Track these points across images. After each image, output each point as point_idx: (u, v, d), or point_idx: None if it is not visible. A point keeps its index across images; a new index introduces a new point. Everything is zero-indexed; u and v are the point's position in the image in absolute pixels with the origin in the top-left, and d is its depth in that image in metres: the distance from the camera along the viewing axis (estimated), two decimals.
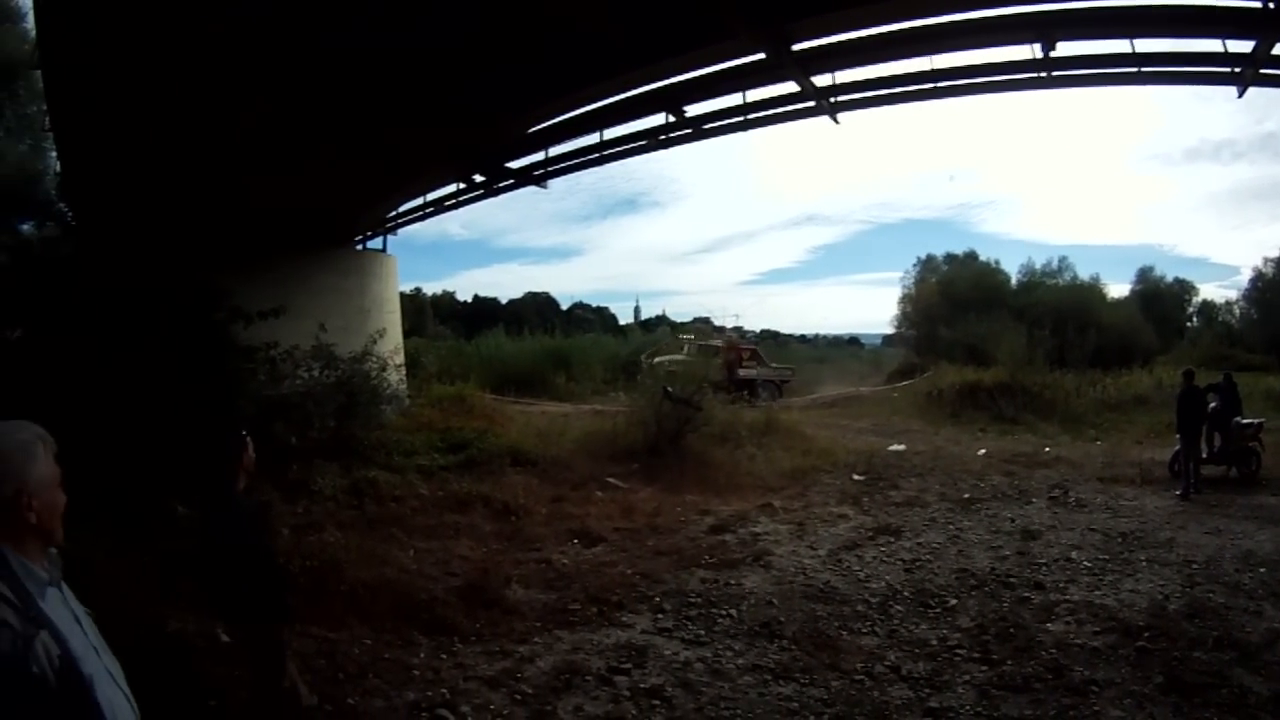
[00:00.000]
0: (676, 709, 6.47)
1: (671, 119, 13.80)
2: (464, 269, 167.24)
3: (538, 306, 77.03)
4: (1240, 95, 11.22)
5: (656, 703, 6.56)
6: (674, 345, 38.92)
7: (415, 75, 11.16)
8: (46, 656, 2.03)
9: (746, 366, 34.84)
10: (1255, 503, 13.76)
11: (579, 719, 6.31)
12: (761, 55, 10.88)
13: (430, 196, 20.72)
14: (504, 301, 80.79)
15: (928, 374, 35.63)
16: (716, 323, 51.47)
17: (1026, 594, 9.21)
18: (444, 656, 7.33)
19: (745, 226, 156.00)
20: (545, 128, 14.58)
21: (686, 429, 17.22)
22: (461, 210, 21.48)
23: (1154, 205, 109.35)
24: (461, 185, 18.94)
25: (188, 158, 13.68)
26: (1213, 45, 10.53)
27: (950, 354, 37.12)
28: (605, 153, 15.68)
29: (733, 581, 9.59)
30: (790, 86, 12.23)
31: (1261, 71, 10.46)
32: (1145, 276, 54.99)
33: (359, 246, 22.98)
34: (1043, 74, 11.51)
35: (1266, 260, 49.91)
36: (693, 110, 13.50)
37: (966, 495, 14.42)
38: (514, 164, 16.82)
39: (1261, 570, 9.95)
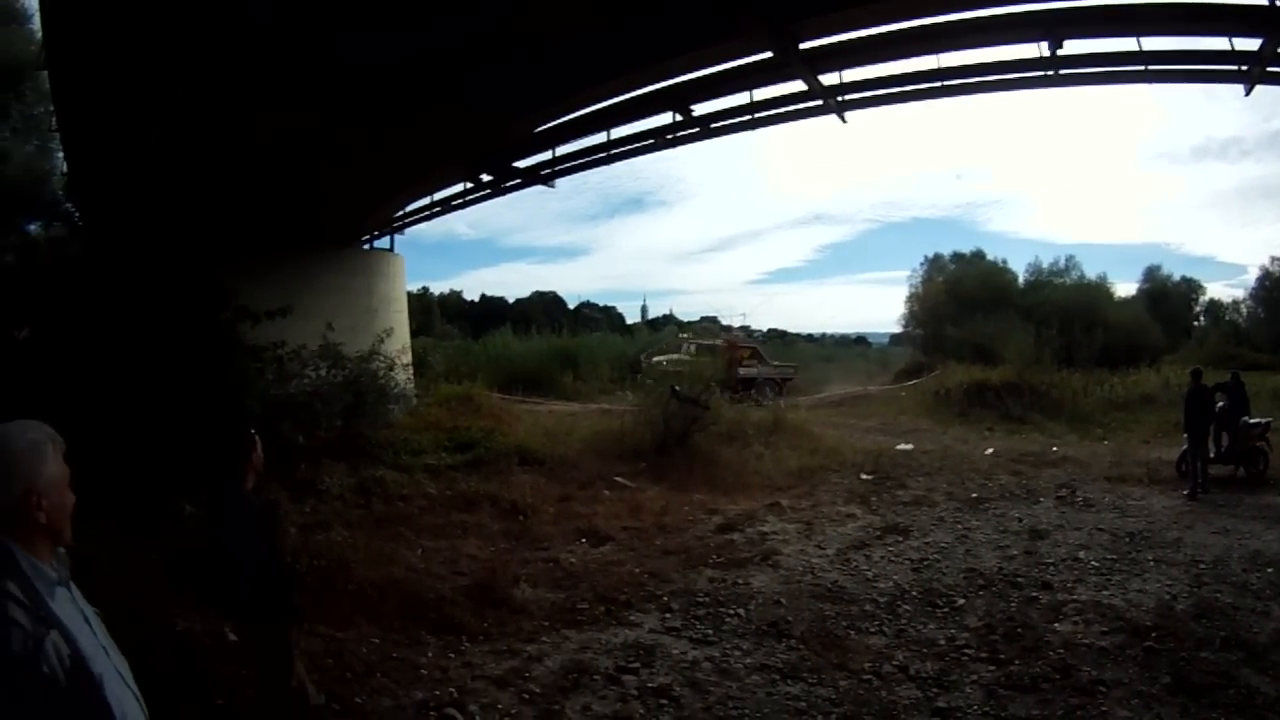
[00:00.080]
0: (684, 708, 6.47)
1: (678, 118, 13.81)
2: (471, 268, 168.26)
3: (545, 306, 77.07)
4: (1247, 93, 11.19)
5: (664, 702, 6.55)
6: (674, 345, 38.84)
7: (423, 76, 11.17)
8: (57, 656, 2.03)
9: (746, 365, 34.73)
10: (1263, 502, 13.69)
11: (587, 718, 6.31)
12: (769, 54, 10.87)
13: (437, 196, 20.76)
14: (511, 301, 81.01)
15: (935, 373, 35.48)
16: (724, 322, 51.44)
17: (1034, 594, 9.18)
18: (452, 656, 7.34)
19: (752, 225, 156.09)
20: (552, 127, 14.58)
21: (694, 428, 17.21)
22: (468, 210, 21.57)
23: (1160, 204, 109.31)
24: (469, 185, 18.99)
25: (195, 158, 13.71)
26: (1220, 43, 10.50)
27: (958, 353, 36.93)
28: (612, 152, 15.71)
29: (741, 581, 9.58)
30: (797, 85, 12.23)
31: (1269, 69, 10.44)
32: (1152, 275, 54.68)
33: (366, 246, 23.01)
34: (1050, 72, 11.50)
35: (1273, 259, 49.85)
36: (700, 109, 13.51)
37: (974, 495, 14.38)
38: (521, 163, 16.86)
39: (1269, 570, 9.90)
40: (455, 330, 61.79)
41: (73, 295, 13.97)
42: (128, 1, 9.46)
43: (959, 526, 12.22)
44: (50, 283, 14.53)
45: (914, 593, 9.22)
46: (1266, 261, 50.93)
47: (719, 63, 11.67)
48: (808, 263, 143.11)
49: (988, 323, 38.27)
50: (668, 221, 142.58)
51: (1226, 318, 53.89)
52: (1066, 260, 50.19)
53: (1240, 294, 57.17)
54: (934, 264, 53.24)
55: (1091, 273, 49.05)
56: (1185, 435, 14.98)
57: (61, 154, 21.15)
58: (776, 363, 37.90)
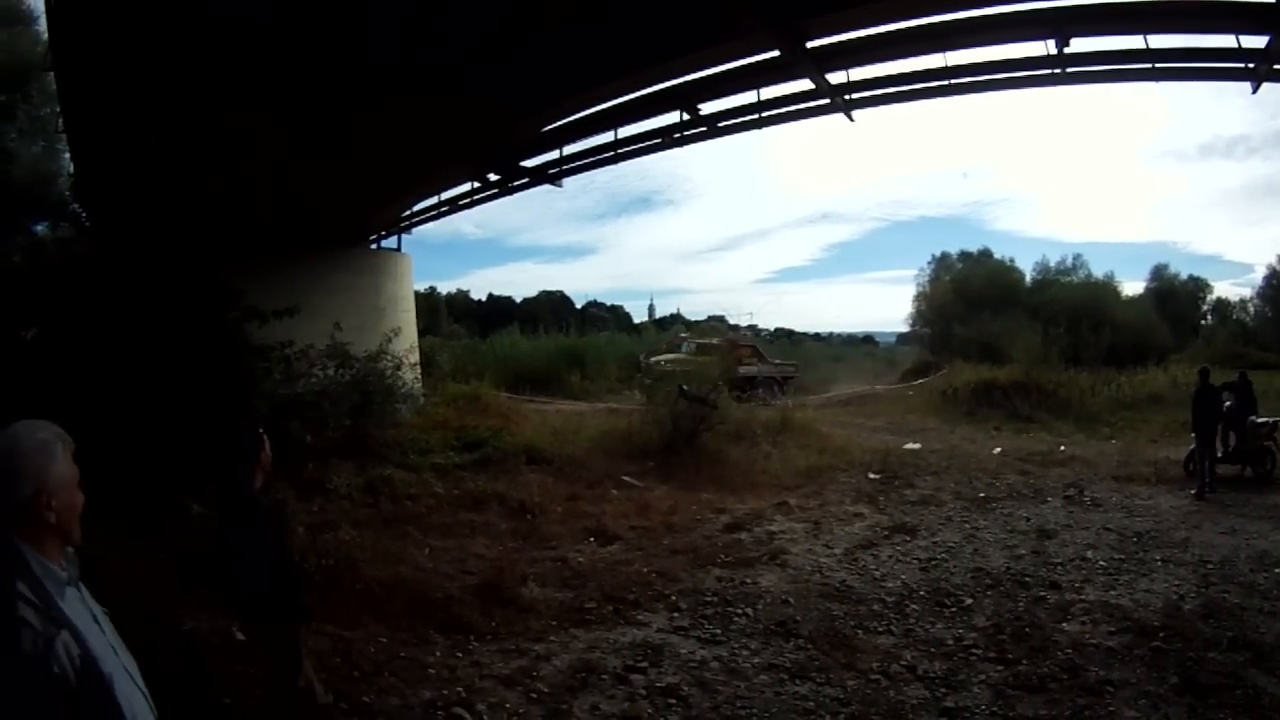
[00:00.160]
0: (692, 708, 6.46)
1: (686, 117, 13.83)
2: (478, 268, 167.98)
3: (552, 305, 77.10)
4: (1254, 91, 11.18)
5: (672, 701, 6.54)
6: (674, 344, 38.75)
7: (430, 75, 11.18)
8: (67, 656, 2.04)
9: (746, 364, 34.60)
10: (1270, 502, 13.65)
11: (595, 718, 6.31)
12: (776, 53, 10.90)
13: (445, 195, 20.82)
14: (518, 300, 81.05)
15: (942, 372, 35.44)
16: (731, 321, 51.40)
17: (1042, 593, 9.16)
18: (460, 655, 7.34)
19: (759, 224, 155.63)
20: (559, 126, 14.62)
21: (702, 428, 17.19)
22: (475, 209, 21.57)
23: (1167, 202, 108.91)
24: (476, 184, 19.03)
25: (202, 158, 13.73)
26: (1226, 41, 10.50)
27: (965, 352, 36.84)
28: (620, 151, 15.73)
29: (749, 580, 9.57)
30: (804, 84, 12.25)
31: (1275, 67, 10.41)
32: (1159, 274, 54.68)
33: (373, 245, 23.04)
34: (1057, 70, 11.49)
35: None
36: (707, 108, 13.54)
37: (982, 494, 14.36)
38: (528, 162, 16.90)
39: (1276, 570, 9.88)
40: (462, 330, 61.91)
41: (80, 295, 13.99)
42: (133, 2, 9.49)
43: (967, 526, 12.21)
44: (57, 283, 14.55)
45: (922, 592, 9.22)
46: (1274, 260, 50.95)
47: (726, 61, 11.69)
48: (815, 262, 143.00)
49: (995, 322, 38.24)
50: (675, 221, 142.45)
51: (1234, 316, 53.97)
52: (1074, 259, 50.05)
53: (1247, 292, 57.14)
54: (941, 263, 53.13)
55: (1098, 271, 48.92)
56: (1193, 435, 14.91)
57: (68, 155, 21.25)
58: (777, 360, 37.79)
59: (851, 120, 13.04)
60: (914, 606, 8.79)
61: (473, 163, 16.61)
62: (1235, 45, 10.41)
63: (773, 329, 62.91)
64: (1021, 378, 27.42)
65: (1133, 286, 50.73)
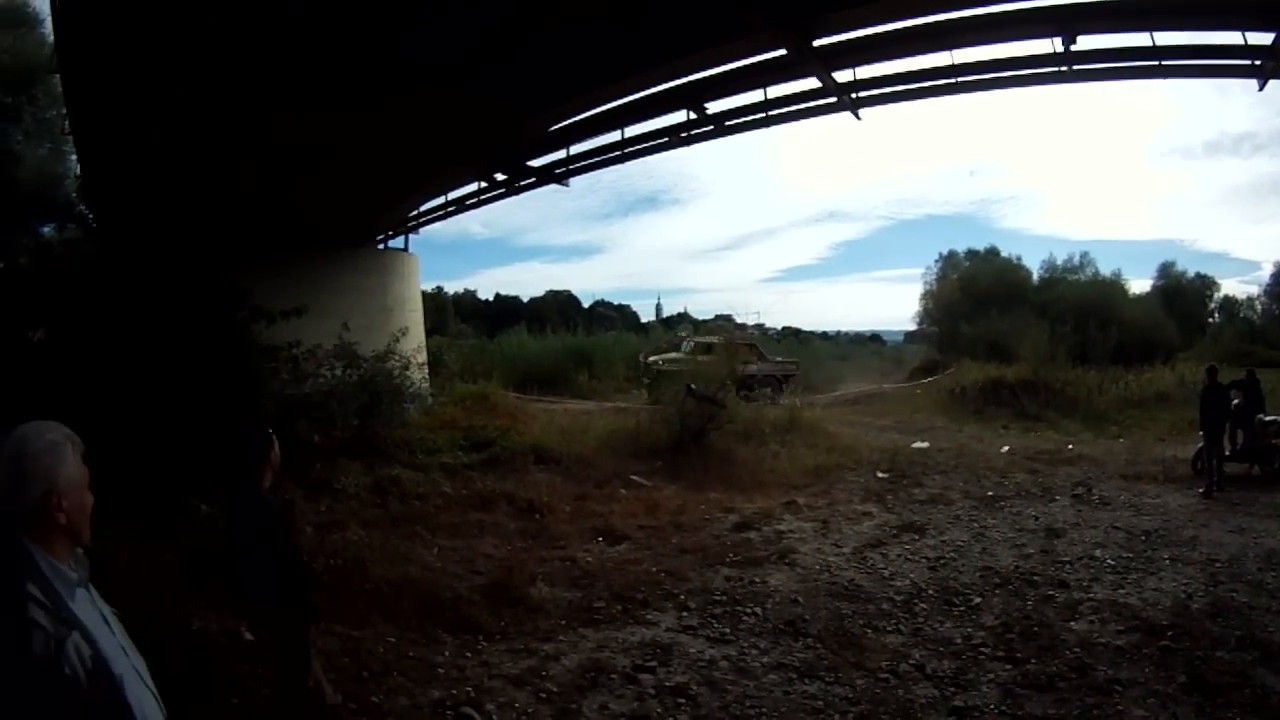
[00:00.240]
0: (701, 707, 6.46)
1: (692, 116, 13.83)
2: (485, 268, 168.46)
3: (559, 305, 77.14)
4: (1261, 88, 11.11)
5: (681, 701, 6.54)
6: (673, 343, 38.65)
7: (437, 75, 11.18)
8: (78, 657, 2.04)
9: (745, 362, 34.57)
10: (1278, 500, 13.59)
11: (604, 717, 6.31)
12: (782, 51, 10.88)
13: (452, 195, 20.82)
14: (525, 300, 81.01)
15: (950, 371, 35.37)
16: (739, 320, 51.30)
17: (1050, 592, 9.15)
18: (469, 655, 7.34)
19: (766, 223, 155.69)
20: (566, 125, 14.63)
21: (710, 427, 17.19)
22: (482, 209, 21.58)
23: (1174, 199, 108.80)
24: (483, 184, 19.04)
25: (208, 159, 13.75)
26: (1233, 37, 10.47)
27: (972, 351, 36.82)
28: (626, 150, 15.73)
29: (757, 579, 9.57)
30: (811, 82, 12.23)
31: None
32: (1166, 272, 54.23)
33: (381, 245, 23.05)
34: (1063, 68, 11.48)
35: None
36: (714, 107, 13.52)
37: (990, 493, 14.35)
38: (535, 162, 16.90)
39: None
40: (470, 329, 61.86)
41: (87, 297, 14.04)
42: (138, 4, 9.50)
43: (975, 525, 12.19)
44: (65, 284, 14.60)
45: (930, 591, 9.21)
46: None
47: (733, 60, 11.68)
48: (822, 260, 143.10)
49: (1002, 320, 38.16)
50: (682, 220, 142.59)
51: (1241, 314, 53.69)
52: (1081, 257, 49.93)
53: (1255, 290, 56.79)
54: (948, 261, 52.99)
55: (1106, 269, 48.81)
56: (1201, 433, 14.86)
57: (74, 157, 21.30)
58: (778, 358, 37.58)
59: (859, 118, 13.02)
60: (923, 605, 8.78)
61: (479, 162, 16.62)
62: (1241, 42, 10.38)
63: (780, 328, 62.64)
64: (1029, 376, 27.40)
65: (1140, 284, 50.67)
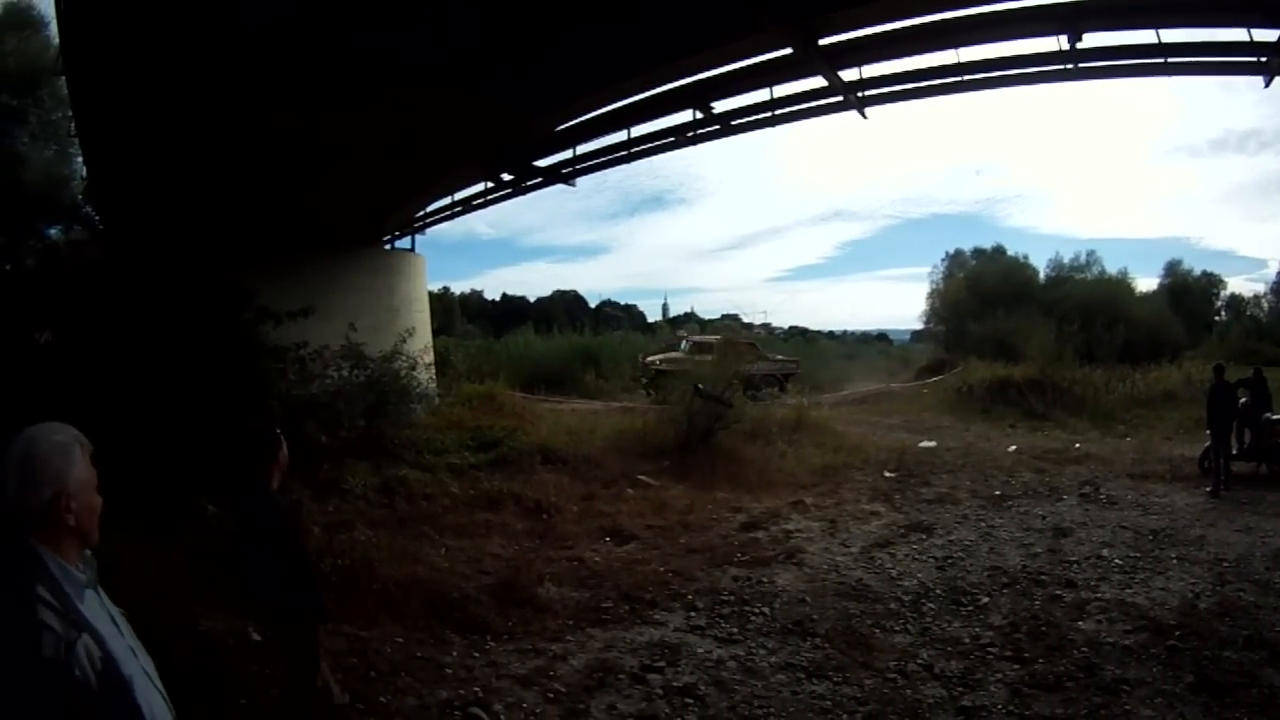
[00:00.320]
0: (709, 707, 6.45)
1: (699, 115, 13.84)
2: (491, 268, 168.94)
3: (566, 304, 77.05)
4: (1267, 85, 11.06)
5: (689, 701, 6.54)
6: (672, 343, 38.56)
7: (443, 75, 11.20)
8: (88, 659, 2.04)
9: (745, 362, 34.47)
10: None
11: (612, 718, 6.31)
12: (789, 50, 10.89)
13: (458, 195, 20.86)
14: (532, 300, 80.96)
15: (957, 370, 35.32)
16: (745, 319, 51.25)
17: (1058, 592, 9.14)
18: (476, 655, 7.34)
19: (773, 223, 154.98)
20: (573, 125, 14.64)
21: (717, 426, 17.17)
22: (488, 209, 21.61)
23: (1180, 197, 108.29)
24: (490, 184, 19.06)
25: (214, 160, 13.78)
26: (1238, 34, 10.44)
27: (979, 350, 36.75)
28: (633, 150, 15.74)
29: (765, 579, 9.56)
30: (817, 81, 12.24)
31: None
32: (1173, 270, 54.21)
33: (387, 246, 23.12)
34: (1069, 66, 11.45)
35: None
36: (720, 106, 13.53)
37: (998, 492, 14.32)
38: (542, 162, 16.93)
39: None
40: (476, 329, 61.91)
41: (94, 298, 14.07)
42: (142, 6, 9.52)
43: (982, 524, 12.17)
44: (71, 286, 14.63)
45: (938, 591, 9.20)
46: None
47: (739, 59, 11.69)
48: (828, 259, 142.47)
49: (1009, 319, 38.13)
50: (688, 219, 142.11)
51: (1248, 312, 53.70)
52: (1087, 255, 50.06)
53: (1261, 288, 56.85)
54: (954, 260, 53.08)
55: (1112, 267, 48.86)
56: (1208, 431, 14.83)
57: (80, 158, 21.32)
58: (779, 357, 37.46)
59: (865, 117, 13.02)
60: (930, 605, 8.77)
61: (486, 162, 16.64)
62: (1247, 39, 10.35)
63: (787, 327, 62.65)
64: (1036, 375, 27.35)
65: (1146, 283, 50.65)
